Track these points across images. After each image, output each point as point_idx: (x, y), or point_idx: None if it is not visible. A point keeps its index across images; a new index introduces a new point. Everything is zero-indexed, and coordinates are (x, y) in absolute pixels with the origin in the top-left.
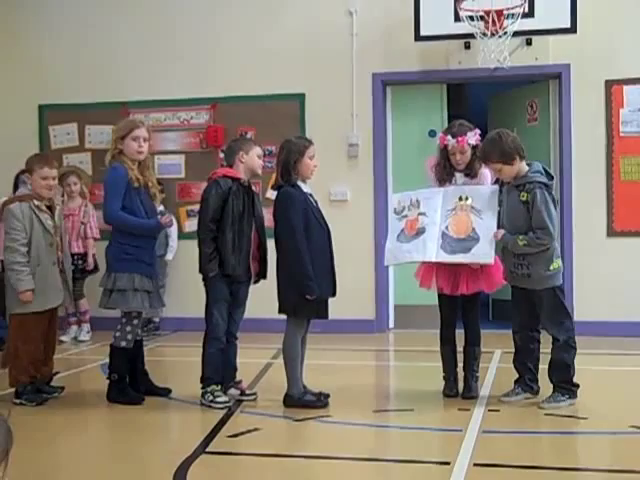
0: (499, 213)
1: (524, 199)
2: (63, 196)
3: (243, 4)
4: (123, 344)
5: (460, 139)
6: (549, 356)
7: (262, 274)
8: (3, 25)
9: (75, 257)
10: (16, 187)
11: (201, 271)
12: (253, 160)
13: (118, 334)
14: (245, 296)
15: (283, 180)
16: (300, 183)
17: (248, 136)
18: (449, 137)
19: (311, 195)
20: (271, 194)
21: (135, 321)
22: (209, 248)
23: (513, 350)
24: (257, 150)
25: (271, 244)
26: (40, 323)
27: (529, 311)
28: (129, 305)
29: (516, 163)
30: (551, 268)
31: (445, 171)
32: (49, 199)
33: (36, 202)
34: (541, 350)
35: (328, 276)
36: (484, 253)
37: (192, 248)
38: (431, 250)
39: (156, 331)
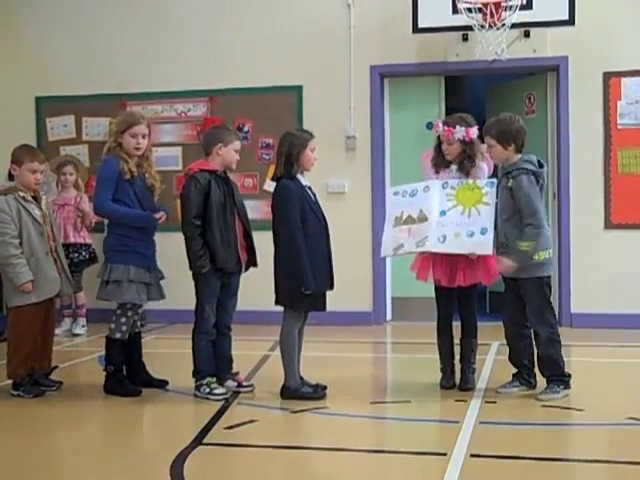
0: (496, 205)
1: (509, 185)
2: (58, 186)
3: None
4: (118, 335)
5: (447, 129)
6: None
7: (252, 262)
8: (1, 17)
9: (71, 248)
10: (10, 177)
11: (192, 268)
12: (230, 154)
13: (113, 326)
14: (237, 286)
15: (284, 172)
16: (299, 176)
17: (245, 129)
18: (440, 124)
19: (310, 188)
20: (268, 186)
21: (130, 313)
22: (197, 245)
23: (507, 347)
24: (236, 144)
25: (270, 236)
26: (37, 314)
27: (518, 304)
28: (123, 296)
29: (509, 150)
30: (535, 258)
31: (439, 158)
32: (34, 190)
33: (21, 193)
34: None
35: (325, 269)
36: (482, 244)
37: None
38: (429, 241)
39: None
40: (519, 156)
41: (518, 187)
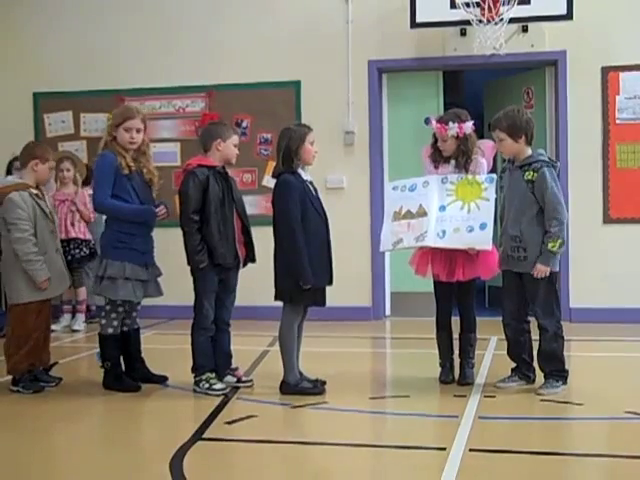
0: (496, 200)
1: (529, 177)
2: (56, 182)
3: None
4: (110, 331)
5: (439, 126)
6: (538, 342)
7: (250, 258)
8: None
9: (72, 244)
10: (9, 173)
11: (190, 263)
12: (229, 149)
13: (104, 322)
14: (235, 282)
15: (284, 166)
16: (300, 170)
17: (244, 124)
18: (433, 121)
19: (311, 183)
20: (267, 182)
21: (120, 309)
22: (195, 240)
23: (506, 342)
24: (234, 139)
25: (269, 231)
26: (43, 310)
27: (520, 299)
28: (117, 293)
29: (520, 142)
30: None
31: (436, 154)
32: (37, 186)
33: (33, 190)
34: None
35: (325, 264)
36: (481, 239)
37: None
38: (428, 236)
39: (92, 318)
40: (530, 150)
41: (542, 179)
